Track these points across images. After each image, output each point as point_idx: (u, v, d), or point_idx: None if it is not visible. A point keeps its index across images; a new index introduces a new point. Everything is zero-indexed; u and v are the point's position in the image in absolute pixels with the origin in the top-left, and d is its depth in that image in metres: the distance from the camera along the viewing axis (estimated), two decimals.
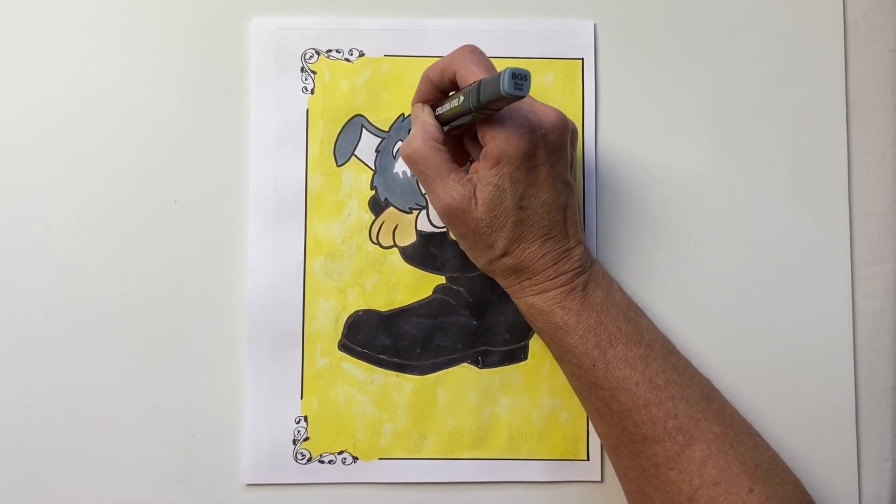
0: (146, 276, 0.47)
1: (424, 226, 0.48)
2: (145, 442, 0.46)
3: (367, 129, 0.48)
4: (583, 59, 0.48)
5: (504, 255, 0.42)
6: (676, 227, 0.48)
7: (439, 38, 0.48)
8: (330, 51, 0.48)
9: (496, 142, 0.39)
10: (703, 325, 0.47)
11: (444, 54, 0.48)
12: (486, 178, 0.40)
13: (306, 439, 0.47)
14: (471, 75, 0.40)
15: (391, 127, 0.48)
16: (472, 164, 0.43)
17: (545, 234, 0.41)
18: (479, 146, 0.42)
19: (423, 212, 0.48)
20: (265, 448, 0.46)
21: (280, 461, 0.46)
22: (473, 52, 0.41)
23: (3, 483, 0.46)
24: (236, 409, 0.47)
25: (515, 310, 0.47)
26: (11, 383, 0.46)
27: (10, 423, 0.46)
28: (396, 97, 0.48)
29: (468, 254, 0.44)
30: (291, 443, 0.46)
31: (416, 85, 0.48)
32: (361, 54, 0.48)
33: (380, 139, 0.48)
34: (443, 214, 0.42)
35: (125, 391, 0.47)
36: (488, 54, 0.48)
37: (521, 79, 0.36)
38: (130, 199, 0.47)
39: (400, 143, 0.48)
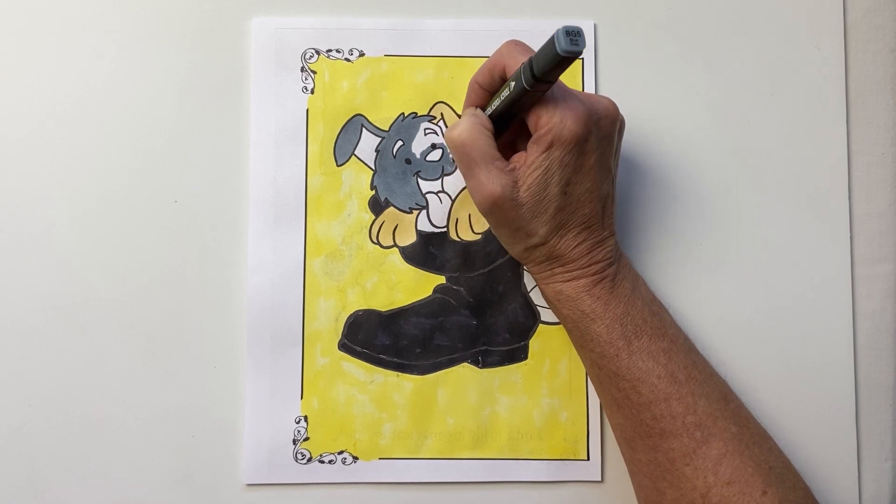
0: (146, 276, 0.47)
1: (424, 226, 0.48)
2: (145, 442, 0.46)
3: (367, 129, 0.48)
4: (583, 59, 0.48)
5: (543, 243, 0.41)
6: (676, 226, 0.48)
7: (439, 38, 0.48)
8: (330, 51, 0.48)
9: (551, 125, 0.39)
10: (702, 325, 0.47)
11: (444, 54, 0.48)
12: (535, 162, 0.40)
13: (306, 439, 0.47)
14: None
15: (391, 127, 0.48)
16: (514, 155, 0.42)
17: (584, 223, 0.41)
18: (529, 138, 0.41)
19: (424, 212, 0.48)
20: (265, 448, 0.46)
21: (280, 461, 0.46)
22: (518, 44, 0.41)
23: (3, 483, 0.46)
24: (236, 409, 0.47)
25: (515, 310, 0.47)
26: (11, 383, 0.46)
27: (10, 423, 0.46)
28: (396, 97, 0.48)
29: (502, 241, 0.44)
30: (291, 443, 0.46)
31: (417, 84, 0.48)
32: (361, 54, 0.48)
33: (380, 139, 0.48)
34: (483, 202, 0.41)
35: (125, 391, 0.47)
36: (488, 54, 0.48)
37: (575, 35, 0.35)
38: (130, 199, 0.47)
39: (400, 143, 0.48)
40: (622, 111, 0.45)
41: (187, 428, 0.47)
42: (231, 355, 0.47)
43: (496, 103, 0.41)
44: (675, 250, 0.48)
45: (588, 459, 0.47)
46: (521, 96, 0.39)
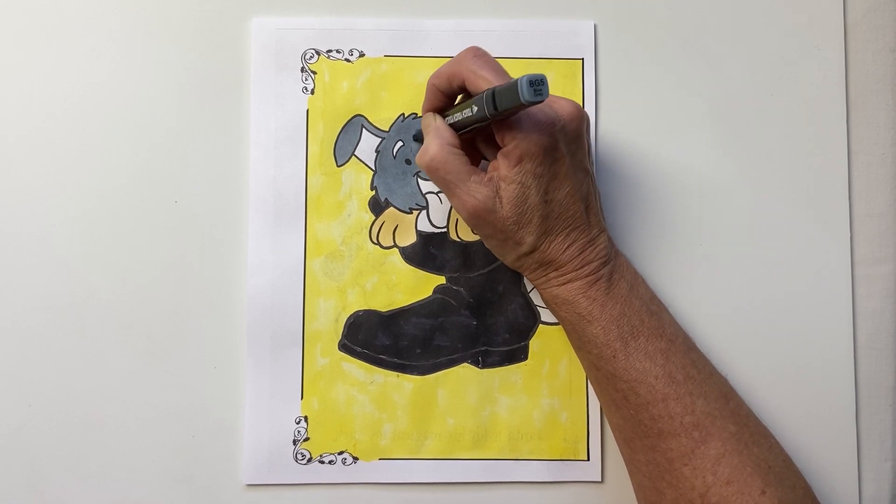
0: (146, 276, 0.47)
1: (425, 226, 0.48)
2: (145, 442, 0.46)
3: (367, 130, 0.48)
4: (583, 59, 0.48)
5: (533, 250, 0.42)
6: (676, 227, 0.48)
7: (439, 38, 0.48)
8: (330, 51, 0.48)
9: (517, 141, 0.39)
10: (702, 325, 0.47)
11: (444, 54, 0.48)
12: (509, 177, 0.40)
13: (306, 439, 0.47)
14: (481, 81, 0.40)
15: (391, 127, 0.48)
16: (489, 163, 0.42)
17: (570, 226, 0.41)
18: (493, 145, 0.41)
19: (424, 212, 0.48)
20: (265, 448, 0.46)
21: (280, 461, 0.46)
22: (478, 55, 0.41)
23: (3, 483, 0.46)
24: (236, 409, 0.47)
25: (515, 310, 0.47)
26: (11, 383, 0.46)
27: (10, 423, 0.46)
28: (396, 97, 0.48)
29: (495, 252, 0.44)
30: (291, 443, 0.46)
31: (417, 85, 0.48)
32: (361, 54, 0.48)
33: (380, 139, 0.48)
34: (469, 217, 0.42)
35: (125, 391, 0.47)
36: None
37: (539, 84, 0.36)
38: (130, 199, 0.47)
39: (400, 144, 0.48)
40: (622, 112, 0.45)
41: (187, 428, 0.47)
42: (231, 355, 0.47)
43: (458, 116, 0.41)
44: (674, 251, 0.48)
45: (588, 460, 0.47)
46: (485, 120, 0.39)
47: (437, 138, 0.42)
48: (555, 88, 0.48)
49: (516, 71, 0.48)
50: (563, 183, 0.41)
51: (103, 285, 0.47)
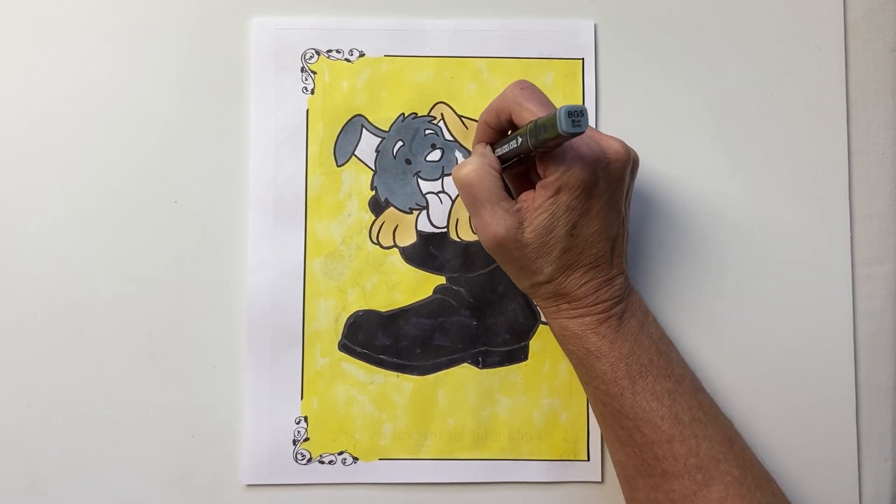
0: (146, 276, 0.47)
1: (425, 226, 0.48)
2: (145, 442, 0.46)
3: (367, 129, 0.48)
4: (583, 59, 0.48)
5: (549, 281, 0.41)
6: (675, 226, 0.48)
7: (439, 38, 0.48)
8: (330, 51, 0.48)
9: (558, 174, 0.39)
10: (701, 325, 0.47)
11: (444, 54, 0.48)
12: (542, 206, 0.40)
13: (306, 440, 0.47)
14: (526, 113, 0.40)
15: (391, 127, 0.48)
16: (522, 193, 0.42)
17: (591, 263, 0.41)
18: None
19: (424, 212, 0.48)
20: (265, 448, 0.46)
21: (280, 461, 0.46)
22: (525, 88, 0.41)
23: (3, 483, 0.46)
24: (236, 409, 0.47)
25: (515, 310, 0.47)
26: (11, 383, 0.46)
27: (10, 423, 0.46)
28: (396, 97, 0.48)
29: (510, 276, 0.44)
30: (291, 443, 0.46)
31: (417, 85, 0.48)
32: (361, 54, 0.48)
33: (380, 139, 0.48)
34: (488, 243, 0.41)
35: (125, 391, 0.47)
36: (488, 54, 0.48)
37: (577, 115, 0.36)
38: (130, 199, 0.47)
39: (400, 144, 0.48)
40: (622, 112, 0.45)
41: (187, 428, 0.47)
42: (231, 355, 0.47)
43: (505, 148, 0.41)
44: (673, 250, 0.48)
45: (588, 460, 0.47)
46: (529, 152, 0.39)
47: (479, 157, 0.42)
48: (555, 88, 0.48)
49: (517, 70, 0.48)
50: (593, 221, 0.40)
51: (103, 285, 0.47)
